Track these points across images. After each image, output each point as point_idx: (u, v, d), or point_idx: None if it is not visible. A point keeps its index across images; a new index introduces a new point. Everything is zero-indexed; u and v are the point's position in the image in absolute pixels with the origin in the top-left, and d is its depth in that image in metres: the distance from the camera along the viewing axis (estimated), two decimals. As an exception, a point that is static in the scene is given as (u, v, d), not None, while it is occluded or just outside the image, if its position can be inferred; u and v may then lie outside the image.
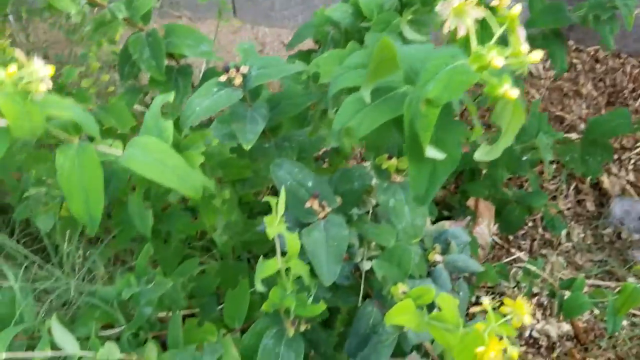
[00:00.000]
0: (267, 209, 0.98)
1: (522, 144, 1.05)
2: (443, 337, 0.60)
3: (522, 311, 0.54)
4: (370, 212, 0.77)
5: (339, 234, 0.63)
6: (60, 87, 0.77)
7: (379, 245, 0.77)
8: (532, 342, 1.40)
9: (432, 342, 0.82)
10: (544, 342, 1.40)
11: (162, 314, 0.85)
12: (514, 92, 0.38)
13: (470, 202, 1.46)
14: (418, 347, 0.85)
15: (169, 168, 0.53)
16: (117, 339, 0.83)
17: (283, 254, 0.63)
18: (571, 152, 1.16)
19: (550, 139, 1.04)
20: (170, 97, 0.58)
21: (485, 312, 0.57)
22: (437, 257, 0.82)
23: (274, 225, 0.59)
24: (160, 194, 0.82)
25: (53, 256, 0.97)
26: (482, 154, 0.47)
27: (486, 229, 1.52)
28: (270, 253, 0.93)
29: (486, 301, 0.55)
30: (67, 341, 0.64)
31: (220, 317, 0.82)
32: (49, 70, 0.43)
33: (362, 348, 0.71)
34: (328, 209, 0.63)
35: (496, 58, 0.38)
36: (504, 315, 0.55)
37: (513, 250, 1.55)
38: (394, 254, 0.68)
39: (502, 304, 0.56)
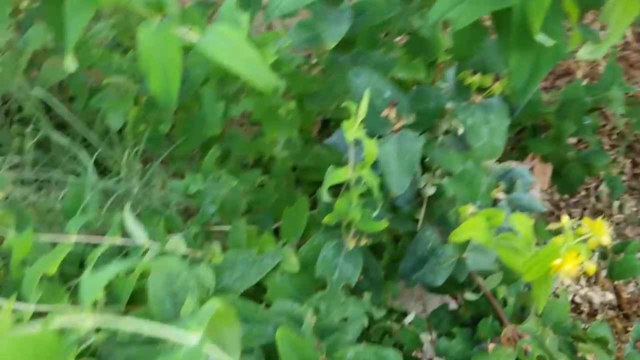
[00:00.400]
0: (323, 139, 0.97)
1: (593, 96, 1.02)
2: (511, 258, 0.59)
3: (600, 232, 0.52)
4: (439, 139, 0.75)
5: (411, 148, 0.62)
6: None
7: (444, 174, 0.76)
8: (574, 307, 1.37)
9: (485, 277, 0.80)
10: (585, 308, 1.37)
11: (218, 228, 0.86)
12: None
13: (527, 164, 1.42)
14: (469, 282, 0.84)
15: (244, 57, 0.52)
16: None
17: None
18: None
19: (622, 93, 0.99)
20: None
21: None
22: (500, 195, 0.81)
23: (352, 130, 0.57)
24: (229, 95, 0.82)
25: (113, 168, 0.99)
26: (586, 52, 0.45)
27: (539, 194, 1.48)
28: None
29: (565, 219, 0.53)
30: (137, 230, 0.65)
31: (276, 235, 0.83)
32: None
33: (418, 270, 0.70)
34: (404, 121, 0.62)
35: None
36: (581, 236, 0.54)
37: (563, 214, 1.51)
38: (464, 176, 0.66)
39: (580, 225, 0.54)
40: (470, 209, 0.63)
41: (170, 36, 0.49)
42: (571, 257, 0.50)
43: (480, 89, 0.65)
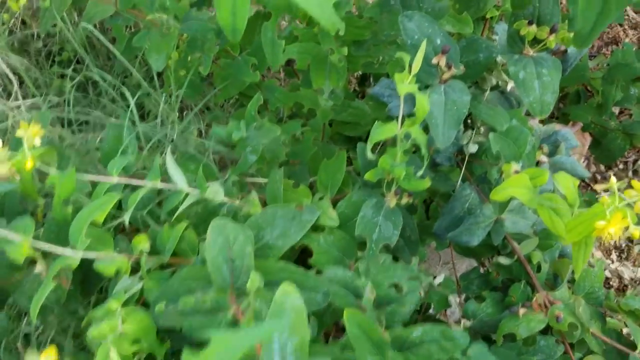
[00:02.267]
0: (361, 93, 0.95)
1: (644, 63, 0.97)
2: (552, 219, 0.57)
3: (649, 195, 0.50)
4: (487, 94, 0.73)
5: (460, 99, 0.60)
6: None
7: (487, 132, 0.74)
8: (603, 281, 1.35)
9: (520, 242, 0.79)
10: (615, 283, 1.35)
11: (252, 179, 0.85)
12: None
13: (574, 129, 1.39)
14: (503, 247, 0.83)
15: (308, -5, 0.51)
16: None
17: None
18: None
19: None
20: None
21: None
22: (543, 158, 0.79)
23: (405, 84, 0.56)
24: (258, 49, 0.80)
25: (151, 112, 0.99)
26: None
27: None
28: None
29: (612, 179, 0.51)
30: (177, 174, 0.65)
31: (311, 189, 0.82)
32: None
33: (454, 229, 0.69)
34: (453, 71, 0.60)
35: None
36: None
37: (599, 190, 1.48)
38: (510, 133, 0.65)
39: (630, 186, 0.52)
40: (514, 166, 0.61)
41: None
42: (616, 220, 0.48)
43: (534, 42, 0.62)
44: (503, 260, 0.80)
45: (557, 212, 0.57)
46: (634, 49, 1.07)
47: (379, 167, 0.63)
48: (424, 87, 0.62)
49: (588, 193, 1.22)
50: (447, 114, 0.59)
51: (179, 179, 0.63)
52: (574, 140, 0.81)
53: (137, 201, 0.64)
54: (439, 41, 0.61)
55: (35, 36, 1.08)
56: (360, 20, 0.70)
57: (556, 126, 0.82)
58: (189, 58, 0.74)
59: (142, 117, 0.96)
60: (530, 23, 0.59)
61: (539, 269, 0.78)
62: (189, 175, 0.82)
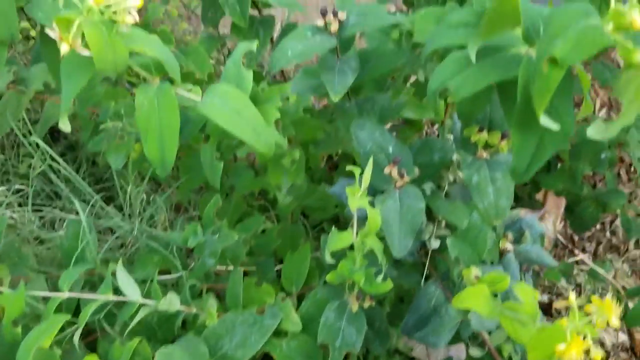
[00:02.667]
0: (330, 176, 0.95)
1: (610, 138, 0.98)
2: (515, 329, 0.56)
3: (609, 312, 0.49)
4: (445, 189, 0.73)
5: (414, 206, 0.60)
6: (144, 24, 0.75)
7: (449, 225, 0.74)
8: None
9: (490, 333, 0.78)
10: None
11: (218, 268, 0.84)
12: (655, 62, 0.34)
13: (539, 196, 1.39)
14: (474, 336, 0.81)
15: (245, 120, 0.51)
16: (173, 285, 0.83)
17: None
18: (660, 153, 1.08)
19: (641, 135, 0.96)
20: (253, 45, 0.56)
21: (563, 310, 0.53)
22: (508, 246, 0.78)
23: (356, 198, 0.56)
24: (231, 147, 0.80)
25: (117, 197, 0.97)
26: (596, 131, 0.42)
27: (552, 226, 1.44)
28: (332, 221, 0.90)
29: (572, 296, 0.50)
30: (129, 287, 0.63)
31: (276, 280, 0.81)
32: (137, 0, 0.41)
33: (420, 328, 0.68)
34: (406, 178, 0.60)
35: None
36: (587, 315, 0.51)
37: (577, 251, 1.47)
38: (468, 234, 0.64)
39: (589, 301, 0.51)
40: (474, 271, 0.60)
41: (169, 100, 0.48)
42: (576, 343, 0.47)
43: (488, 145, 0.63)
44: (474, 352, 0.78)
45: (521, 322, 0.56)
46: (601, 114, 1.09)
47: (337, 272, 0.62)
48: (380, 192, 0.62)
49: (564, 262, 1.21)
50: (403, 222, 0.59)
51: (131, 291, 0.62)
52: (539, 227, 0.80)
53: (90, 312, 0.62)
54: (390, 149, 0.61)
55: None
56: (314, 121, 0.70)
57: (521, 212, 0.82)
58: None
59: (110, 203, 0.95)
60: (481, 129, 0.59)
61: (510, 360, 0.76)
62: (150, 269, 0.81)
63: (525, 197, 1.31)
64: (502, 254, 0.78)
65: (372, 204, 0.59)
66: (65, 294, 0.62)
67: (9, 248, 0.77)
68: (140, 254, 0.86)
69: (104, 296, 0.62)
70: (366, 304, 0.65)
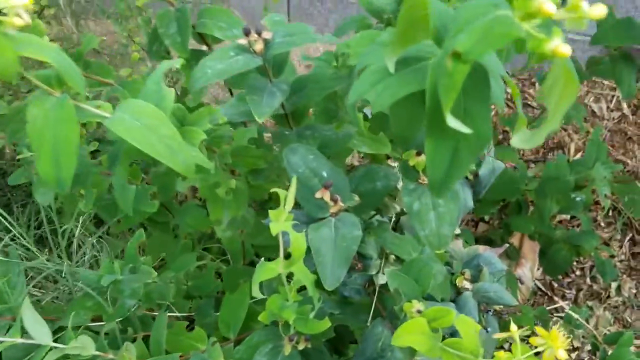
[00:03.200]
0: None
1: (576, 174, 0.95)
2: (459, 368, 0.50)
3: (556, 343, 0.44)
4: (393, 220, 0.69)
5: (350, 234, 0.55)
6: (77, 55, 0.73)
7: (400, 259, 0.69)
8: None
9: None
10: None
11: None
12: (565, 49, 0.30)
13: (515, 241, 1.34)
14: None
15: (158, 137, 0.47)
16: (107, 334, 0.77)
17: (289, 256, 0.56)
18: (631, 192, 1.05)
19: (608, 171, 0.93)
20: (178, 63, 0.53)
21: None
22: (466, 284, 0.73)
23: (280, 221, 0.51)
24: (171, 183, 0.77)
25: (51, 237, 0.92)
26: (521, 141, 0.38)
27: (529, 273, 1.39)
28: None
29: (513, 327, 0.46)
30: (38, 329, 0.58)
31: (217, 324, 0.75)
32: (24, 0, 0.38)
33: (367, 373, 0.62)
34: (341, 204, 0.56)
35: (547, 3, 0.30)
36: (534, 347, 0.46)
37: (556, 298, 1.41)
38: (412, 267, 0.59)
39: (533, 333, 0.46)
40: (415, 306, 0.55)
41: (67, 113, 0.44)
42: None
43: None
44: (432, 400, 0.72)
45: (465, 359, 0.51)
46: (574, 158, 1.06)
47: (267, 309, 0.57)
48: (316, 220, 0.58)
49: (540, 308, 1.15)
50: (337, 251, 0.54)
51: (38, 333, 0.56)
52: (500, 265, 0.75)
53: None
54: (325, 174, 0.57)
55: None
56: (256, 150, 0.66)
57: (480, 248, 0.77)
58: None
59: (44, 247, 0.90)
60: (418, 154, 0.56)
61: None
62: (82, 316, 0.75)
63: (498, 240, 1.27)
64: (459, 292, 0.73)
65: (306, 233, 0.55)
66: (-31, 338, 0.57)
67: None
68: (74, 298, 0.80)
69: (11, 339, 0.56)
70: (301, 346, 0.59)
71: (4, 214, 0.76)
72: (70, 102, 0.44)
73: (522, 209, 1.14)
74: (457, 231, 0.85)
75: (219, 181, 0.63)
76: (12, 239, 0.81)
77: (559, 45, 0.31)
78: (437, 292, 0.64)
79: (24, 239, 0.82)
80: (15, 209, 0.97)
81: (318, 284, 0.56)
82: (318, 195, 0.55)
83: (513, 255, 1.21)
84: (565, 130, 1.61)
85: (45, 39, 0.48)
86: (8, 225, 0.79)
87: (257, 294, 0.54)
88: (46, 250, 0.85)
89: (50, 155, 0.43)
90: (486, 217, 1.47)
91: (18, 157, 0.63)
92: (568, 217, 1.49)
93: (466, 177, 0.72)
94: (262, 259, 0.56)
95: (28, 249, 0.84)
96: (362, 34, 0.60)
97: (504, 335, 0.46)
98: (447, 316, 0.53)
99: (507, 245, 1.12)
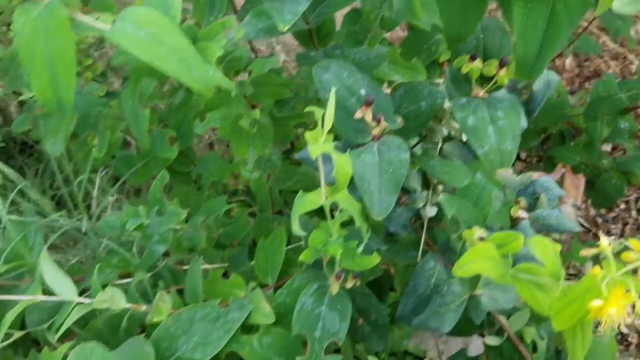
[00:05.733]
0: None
1: (628, 92, 0.86)
2: (535, 297, 0.44)
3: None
4: (440, 146, 0.62)
5: (396, 157, 0.48)
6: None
7: (447, 190, 0.62)
8: (620, 339, 1.19)
9: (509, 317, 0.65)
10: (634, 339, 1.19)
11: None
12: None
13: (554, 177, 1.26)
14: (491, 323, 0.69)
15: (168, 48, 0.40)
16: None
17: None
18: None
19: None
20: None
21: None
22: (522, 213, 0.66)
23: (318, 143, 0.44)
24: (190, 129, 0.70)
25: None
26: (623, 4, 0.31)
27: (572, 210, 1.31)
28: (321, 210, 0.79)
29: (604, 241, 0.39)
30: (61, 284, 0.53)
31: (253, 273, 0.70)
32: None
33: (420, 312, 0.56)
34: (385, 125, 0.49)
35: None
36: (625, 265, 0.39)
37: (601, 234, 1.34)
38: (469, 192, 0.52)
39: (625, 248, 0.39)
40: (477, 232, 0.48)
41: (58, 21, 0.37)
42: (616, 296, 0.35)
43: (484, 81, 0.51)
44: (490, 340, 0.66)
45: (540, 286, 0.44)
46: (617, 80, 0.97)
47: (310, 246, 0.51)
48: (356, 146, 0.51)
49: (590, 242, 1.09)
50: (383, 177, 0.47)
51: (61, 287, 0.51)
52: (558, 189, 0.68)
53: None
54: (363, 92, 0.50)
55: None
56: (279, 78, 0.59)
57: (534, 175, 0.70)
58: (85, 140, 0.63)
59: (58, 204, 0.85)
60: (473, 58, 0.48)
61: (534, 348, 0.64)
62: (108, 273, 0.70)
63: (538, 176, 1.19)
64: (515, 222, 0.66)
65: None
66: (-17, 298, 0.52)
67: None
68: (98, 256, 0.75)
69: (30, 297, 0.51)
70: (349, 284, 0.53)
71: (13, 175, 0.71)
72: (61, 8, 0.37)
73: (565, 139, 1.06)
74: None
75: (241, 112, 0.56)
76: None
77: None
78: (496, 220, 0.57)
79: (39, 201, 0.77)
80: (28, 173, 0.92)
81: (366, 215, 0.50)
82: (358, 114, 0.48)
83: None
84: (602, 57, 1.51)
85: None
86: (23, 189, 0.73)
87: (297, 230, 0.48)
88: (64, 211, 0.79)
89: (44, 72, 0.36)
90: (522, 156, 1.39)
91: (20, 98, 0.57)
92: (609, 148, 1.40)
93: (517, 93, 0.64)
94: (300, 192, 0.50)
95: (44, 214, 0.79)
96: None
97: (593, 251, 0.39)
98: (516, 241, 0.46)
99: (562, 171, 1.04)
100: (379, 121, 0.48)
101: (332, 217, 0.51)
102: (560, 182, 1.28)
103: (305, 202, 0.47)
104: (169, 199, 0.89)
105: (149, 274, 0.68)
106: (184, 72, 0.40)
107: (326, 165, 0.46)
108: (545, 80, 0.63)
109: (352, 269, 0.51)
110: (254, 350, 0.53)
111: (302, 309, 0.53)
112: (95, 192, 0.87)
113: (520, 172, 1.35)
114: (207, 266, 0.69)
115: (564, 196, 1.36)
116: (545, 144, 1.18)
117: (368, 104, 0.47)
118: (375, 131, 0.49)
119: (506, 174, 0.71)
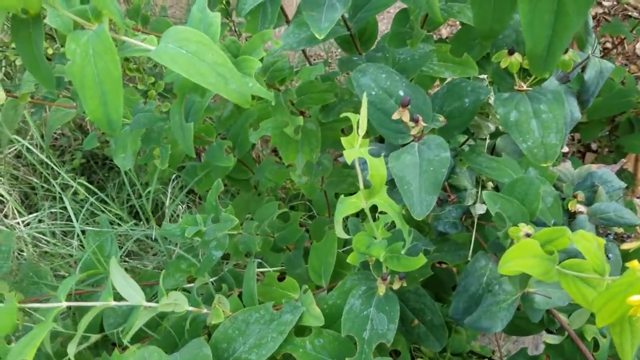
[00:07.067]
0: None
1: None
2: (582, 292, 0.43)
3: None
4: (488, 143, 0.61)
5: (437, 157, 0.49)
6: (134, 10, 0.70)
7: (498, 188, 0.62)
8: None
9: (570, 315, 0.64)
10: None
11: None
12: None
13: (629, 165, 1.20)
14: (550, 321, 0.67)
15: (207, 64, 0.42)
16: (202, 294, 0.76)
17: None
18: None
19: None
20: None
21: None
22: (580, 207, 0.64)
23: (355, 147, 0.46)
24: (246, 139, 0.73)
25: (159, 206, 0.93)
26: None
27: (646, 199, 1.25)
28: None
29: None
30: (129, 289, 0.57)
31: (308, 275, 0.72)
32: None
33: (472, 311, 0.56)
34: (424, 124, 0.49)
35: None
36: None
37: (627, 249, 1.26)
38: (516, 187, 0.52)
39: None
40: (523, 229, 0.48)
41: (106, 45, 0.41)
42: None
43: (527, 74, 0.51)
44: (551, 339, 0.64)
45: (588, 282, 0.43)
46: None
47: (354, 248, 0.52)
48: (399, 146, 0.52)
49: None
50: (423, 177, 0.48)
51: (129, 293, 0.55)
52: (617, 181, 0.66)
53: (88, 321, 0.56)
54: (401, 93, 0.50)
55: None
56: (322, 84, 0.61)
57: (592, 167, 0.68)
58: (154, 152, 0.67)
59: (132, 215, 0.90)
60: (511, 52, 0.48)
61: (596, 346, 0.62)
62: (178, 277, 0.74)
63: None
64: (573, 216, 0.65)
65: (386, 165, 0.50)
66: (63, 304, 0.56)
67: (28, 266, 0.73)
68: (168, 261, 0.80)
69: (102, 302, 0.55)
70: (396, 286, 0.54)
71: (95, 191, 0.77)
72: (107, 32, 0.40)
73: (634, 127, 1.01)
74: (565, 149, 0.75)
75: (285, 120, 0.59)
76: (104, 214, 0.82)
77: None
78: (548, 216, 0.56)
79: (117, 211, 0.83)
80: (109, 186, 0.99)
81: (410, 219, 0.50)
82: (395, 116, 0.48)
83: (628, 181, 1.08)
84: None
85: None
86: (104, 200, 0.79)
87: (341, 233, 0.50)
88: (136, 220, 0.85)
89: (95, 93, 0.40)
90: (593, 146, 1.33)
91: (86, 118, 0.61)
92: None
93: (570, 85, 0.62)
94: (342, 195, 0.51)
95: (120, 221, 0.85)
96: None
97: (634, 245, 0.38)
98: (563, 237, 0.45)
99: (623, 161, 1.00)
100: (417, 121, 0.49)
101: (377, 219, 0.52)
102: (634, 170, 1.22)
103: (346, 206, 0.48)
104: (233, 207, 0.93)
105: (214, 278, 0.72)
106: (222, 86, 0.43)
107: (365, 169, 0.47)
108: (598, 69, 0.62)
109: (398, 270, 0.52)
110: (307, 352, 0.55)
111: (350, 311, 0.55)
112: (167, 202, 0.93)
113: (592, 163, 1.30)
114: (264, 269, 0.71)
115: (622, 186, 1.30)
116: (613, 133, 1.13)
117: (404, 105, 0.48)
118: (414, 131, 0.49)
119: (563, 167, 0.69)
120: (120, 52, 0.42)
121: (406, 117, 0.48)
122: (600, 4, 1.49)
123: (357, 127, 0.44)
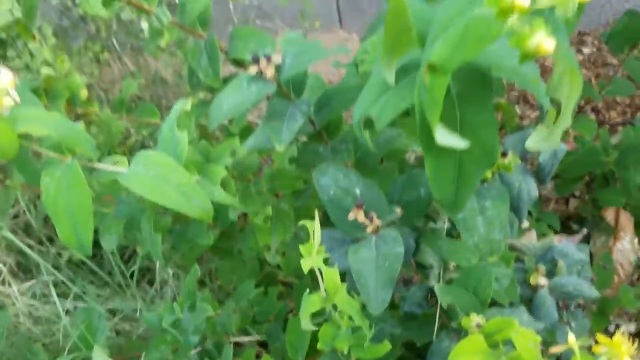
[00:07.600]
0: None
1: (660, 138, 0.85)
2: (524, 385, 0.46)
3: (619, 351, 0.39)
4: (446, 225, 0.65)
5: (392, 251, 0.52)
6: (120, 102, 0.75)
7: (460, 266, 0.65)
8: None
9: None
10: None
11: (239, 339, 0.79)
12: (549, 43, 0.26)
13: (610, 214, 1.23)
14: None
15: (172, 186, 0.47)
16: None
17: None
18: None
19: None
20: (187, 104, 0.53)
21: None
22: (541, 280, 0.67)
23: (311, 257, 0.50)
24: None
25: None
26: (535, 142, 0.34)
27: (629, 245, 1.27)
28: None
29: (571, 337, 0.41)
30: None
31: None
32: (7, 78, 0.39)
33: (438, 391, 0.59)
34: (378, 222, 0.53)
35: (520, -5, 0.26)
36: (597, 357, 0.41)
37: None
38: (470, 276, 0.55)
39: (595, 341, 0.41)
40: (474, 319, 0.51)
41: (77, 178, 0.45)
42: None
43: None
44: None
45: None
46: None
47: (321, 339, 0.55)
48: (355, 241, 0.55)
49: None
50: (379, 272, 0.52)
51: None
52: (578, 254, 0.69)
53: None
54: (357, 191, 0.54)
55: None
56: (292, 172, 0.65)
57: (554, 239, 0.71)
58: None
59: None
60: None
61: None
62: (164, 350, 0.77)
63: (589, 217, 1.17)
64: (534, 290, 0.68)
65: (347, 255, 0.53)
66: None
67: (21, 344, 0.77)
68: (151, 335, 0.83)
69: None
70: (362, 372, 0.57)
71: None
72: (79, 168, 0.44)
73: (609, 182, 1.04)
74: (526, 224, 0.79)
75: (256, 209, 0.63)
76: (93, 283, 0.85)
77: (542, 40, 0.26)
78: (503, 297, 0.59)
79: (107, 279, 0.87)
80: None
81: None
82: (351, 216, 0.52)
83: (608, 231, 1.10)
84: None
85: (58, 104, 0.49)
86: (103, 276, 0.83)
87: (307, 326, 0.53)
88: (128, 291, 0.88)
89: (67, 222, 0.44)
90: (577, 192, 1.36)
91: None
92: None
93: (527, 166, 0.66)
94: (306, 291, 0.55)
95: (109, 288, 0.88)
96: (378, 36, 0.57)
97: (560, 348, 0.42)
98: (508, 327, 0.49)
99: (584, 232, 1.03)
100: (371, 219, 0.52)
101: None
102: (615, 218, 1.25)
103: (309, 304, 0.51)
104: (218, 272, 0.96)
105: (196, 350, 0.75)
106: (184, 204, 0.47)
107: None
108: (552, 152, 0.65)
109: (365, 358, 0.55)
110: None
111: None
112: (157, 268, 0.96)
113: (575, 210, 1.33)
114: (244, 338, 0.74)
115: (620, 232, 1.32)
116: (591, 185, 1.16)
117: (359, 207, 0.51)
118: (370, 229, 0.53)
119: (527, 239, 0.73)
120: (93, 177, 0.46)
121: (361, 217, 0.52)
122: (580, 51, 1.54)
123: (313, 236, 0.48)
